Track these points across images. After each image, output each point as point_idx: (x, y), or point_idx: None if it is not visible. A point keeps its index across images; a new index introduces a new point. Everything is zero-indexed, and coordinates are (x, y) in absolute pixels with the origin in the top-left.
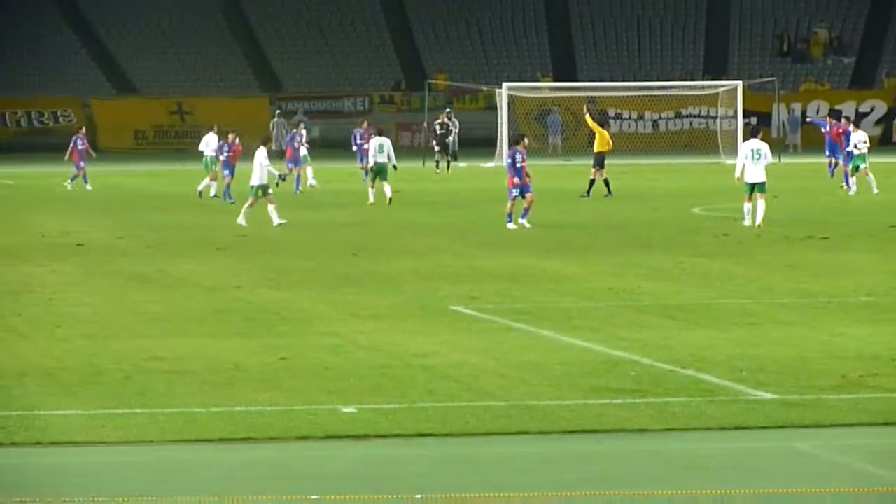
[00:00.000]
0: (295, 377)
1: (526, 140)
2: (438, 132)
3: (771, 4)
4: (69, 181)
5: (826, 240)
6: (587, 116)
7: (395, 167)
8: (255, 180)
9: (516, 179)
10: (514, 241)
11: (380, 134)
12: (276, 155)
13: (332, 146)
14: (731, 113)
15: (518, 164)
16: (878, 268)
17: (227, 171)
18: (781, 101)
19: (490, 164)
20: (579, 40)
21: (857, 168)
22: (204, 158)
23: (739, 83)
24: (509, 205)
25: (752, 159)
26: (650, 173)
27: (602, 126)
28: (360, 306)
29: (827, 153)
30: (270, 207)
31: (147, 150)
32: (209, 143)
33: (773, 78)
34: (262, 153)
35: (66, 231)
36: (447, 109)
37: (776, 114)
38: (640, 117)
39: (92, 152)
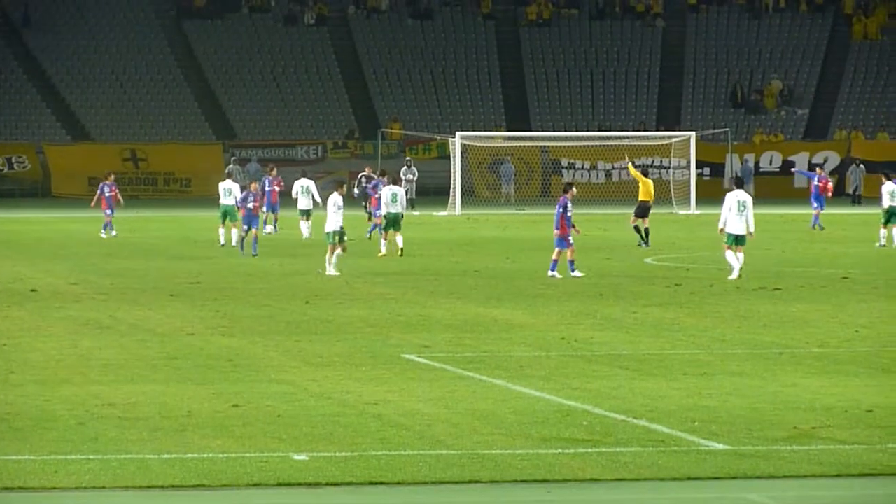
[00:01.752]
0: (247, 424)
1: (574, 189)
2: (363, 184)
3: (724, 55)
4: (102, 230)
5: (778, 291)
6: (630, 166)
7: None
8: (332, 226)
9: (567, 229)
10: (466, 289)
11: (394, 183)
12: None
13: (285, 194)
14: (684, 163)
15: (569, 213)
16: (829, 319)
17: (246, 224)
18: (734, 152)
19: (443, 213)
20: (532, 90)
21: (888, 221)
22: (221, 207)
23: (693, 134)
24: (556, 252)
25: (738, 210)
26: (603, 223)
27: (645, 175)
28: (312, 354)
29: (814, 205)
30: (338, 252)
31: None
32: (232, 192)
33: (727, 129)
34: (337, 198)
35: (19, 277)
36: (407, 158)
37: (729, 164)
38: (594, 167)
39: (121, 199)
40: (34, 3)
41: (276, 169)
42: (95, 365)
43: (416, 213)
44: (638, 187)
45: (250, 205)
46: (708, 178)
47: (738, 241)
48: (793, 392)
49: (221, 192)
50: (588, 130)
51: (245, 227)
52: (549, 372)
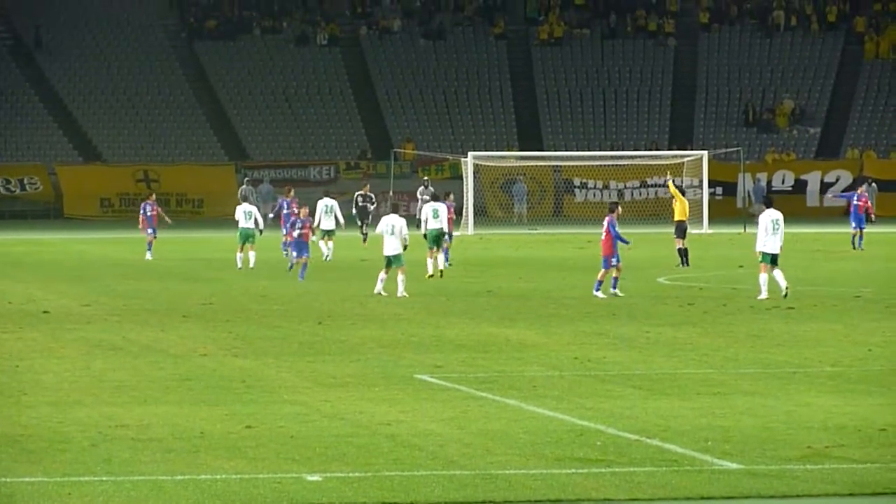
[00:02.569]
0: (260, 445)
1: (620, 209)
2: (360, 204)
3: (737, 75)
4: (147, 252)
5: (791, 310)
6: (670, 183)
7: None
8: (391, 250)
9: (612, 249)
10: (479, 310)
11: (435, 199)
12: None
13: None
14: (696, 182)
15: (615, 232)
16: (842, 338)
17: (296, 251)
18: (747, 171)
19: (456, 233)
20: (545, 110)
21: None
22: (241, 231)
23: (705, 153)
24: (602, 273)
25: (773, 230)
26: None
27: (683, 194)
28: (325, 375)
29: (853, 225)
30: (401, 276)
31: (112, 218)
32: (252, 215)
33: (739, 148)
34: (398, 220)
35: (32, 298)
36: (424, 178)
37: (741, 183)
38: (606, 186)
39: (167, 219)
40: (46, 25)
41: (293, 190)
42: (108, 386)
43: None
44: (672, 207)
45: (297, 232)
46: (720, 197)
47: (773, 260)
48: (806, 411)
49: (241, 216)
50: (600, 150)
51: (295, 253)
52: (563, 392)
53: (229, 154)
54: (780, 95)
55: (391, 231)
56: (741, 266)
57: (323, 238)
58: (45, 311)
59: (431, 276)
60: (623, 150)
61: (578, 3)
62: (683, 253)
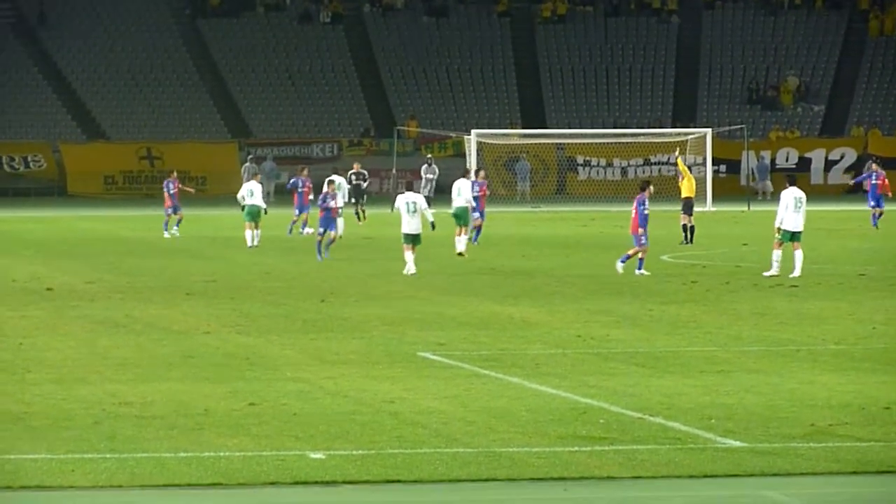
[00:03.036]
0: (263, 423)
1: (651, 187)
2: (353, 182)
3: (740, 52)
4: (175, 228)
5: (795, 288)
6: (679, 160)
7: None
8: (412, 228)
9: (641, 227)
10: (482, 287)
11: (464, 176)
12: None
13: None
14: (699, 160)
15: (645, 212)
16: (846, 316)
17: (323, 227)
18: (750, 149)
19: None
20: (548, 87)
21: None
22: (247, 208)
23: (708, 130)
24: (634, 250)
25: (795, 207)
26: (618, 220)
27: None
28: (328, 352)
29: (871, 203)
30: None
31: (116, 196)
32: (255, 193)
33: (742, 125)
34: (417, 197)
35: (35, 276)
36: (427, 156)
37: (745, 161)
38: (609, 164)
39: (189, 189)
40: (49, 2)
41: (307, 169)
42: (112, 364)
43: (432, 210)
44: (678, 184)
45: (331, 204)
46: (724, 175)
47: (793, 237)
48: (809, 389)
49: (247, 193)
50: (603, 127)
51: (322, 229)
52: (566, 370)
53: (232, 131)
54: (784, 73)
55: (412, 209)
56: (745, 244)
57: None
58: (48, 289)
59: (460, 253)
60: (626, 127)
61: None
62: (689, 230)
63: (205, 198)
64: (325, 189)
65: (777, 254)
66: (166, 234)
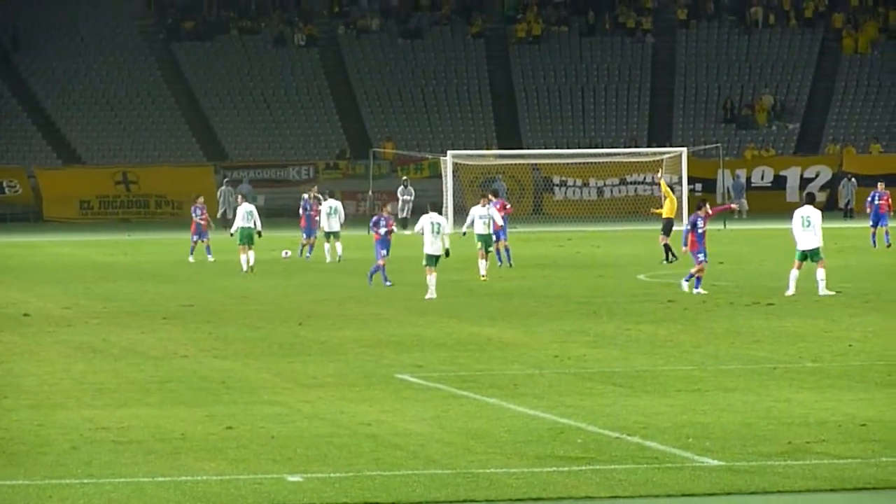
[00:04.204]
0: (241, 446)
1: (708, 206)
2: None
3: (715, 71)
4: (208, 255)
5: (772, 306)
6: (662, 181)
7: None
8: (434, 249)
9: (698, 245)
10: (459, 308)
11: (495, 195)
12: (220, 224)
13: (277, 215)
14: (675, 179)
15: (700, 230)
16: (823, 334)
17: (385, 250)
18: (726, 167)
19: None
20: (523, 108)
21: None
22: (240, 231)
23: (684, 150)
24: (696, 268)
25: (803, 226)
26: (595, 240)
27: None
28: (305, 375)
29: (872, 223)
30: (431, 277)
31: (92, 220)
32: (252, 215)
33: (718, 144)
34: (440, 219)
35: (12, 301)
36: (403, 178)
37: (721, 180)
38: (585, 184)
39: (211, 224)
40: (24, 26)
41: (315, 189)
42: (89, 389)
43: (407, 232)
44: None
45: (383, 230)
46: (699, 193)
47: (808, 256)
48: (786, 407)
49: (240, 216)
50: (579, 147)
51: (384, 252)
52: (543, 390)
53: (208, 155)
54: (758, 91)
55: (436, 230)
56: (721, 262)
57: (328, 240)
58: (25, 314)
59: (484, 277)
60: (602, 147)
61: (556, 1)
62: (668, 248)
63: (181, 221)
64: (379, 215)
65: (794, 273)
66: (191, 259)
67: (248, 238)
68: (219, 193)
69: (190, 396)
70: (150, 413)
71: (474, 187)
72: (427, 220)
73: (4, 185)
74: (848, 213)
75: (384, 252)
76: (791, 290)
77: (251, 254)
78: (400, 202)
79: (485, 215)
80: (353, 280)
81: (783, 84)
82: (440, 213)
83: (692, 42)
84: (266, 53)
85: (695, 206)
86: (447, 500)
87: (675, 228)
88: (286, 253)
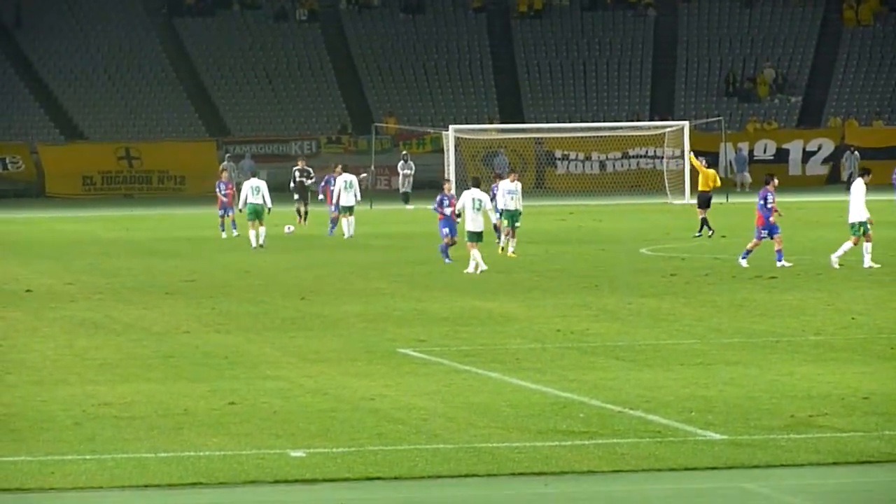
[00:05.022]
0: (243, 422)
1: (776, 180)
2: (297, 178)
3: (717, 44)
4: (233, 229)
5: (774, 279)
6: (691, 156)
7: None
8: (477, 226)
9: (769, 219)
10: (461, 282)
11: (499, 178)
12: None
13: (280, 189)
14: (678, 153)
15: (769, 205)
16: (825, 307)
17: (451, 230)
18: (728, 141)
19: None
20: (525, 82)
21: None
22: (249, 206)
23: (686, 123)
24: (753, 243)
25: (856, 198)
26: (597, 214)
27: (709, 167)
28: (307, 350)
29: None
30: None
31: (95, 196)
32: (260, 190)
33: (720, 118)
34: (482, 195)
35: (14, 277)
36: (403, 153)
37: (723, 153)
38: (588, 158)
39: (237, 196)
40: (26, 3)
41: (341, 166)
42: (91, 365)
43: (410, 207)
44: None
45: (447, 210)
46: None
47: (853, 228)
48: (789, 381)
49: (249, 191)
50: (581, 121)
51: (449, 234)
52: (545, 364)
53: (210, 130)
54: (760, 65)
55: (477, 206)
56: (723, 236)
57: (343, 214)
58: (27, 290)
59: (513, 254)
60: (604, 121)
61: None
62: (705, 222)
63: (183, 197)
64: (443, 194)
65: (865, 245)
66: (223, 235)
67: (257, 214)
68: (221, 168)
69: (192, 372)
70: (153, 389)
71: (476, 161)
72: (468, 196)
73: (7, 160)
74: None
75: (446, 230)
76: (835, 262)
77: (262, 229)
78: (400, 176)
79: (513, 190)
80: (355, 255)
81: (785, 57)
82: (479, 188)
83: (694, 16)
84: (267, 28)
85: (762, 180)
86: (450, 474)
87: (713, 201)
88: (289, 228)
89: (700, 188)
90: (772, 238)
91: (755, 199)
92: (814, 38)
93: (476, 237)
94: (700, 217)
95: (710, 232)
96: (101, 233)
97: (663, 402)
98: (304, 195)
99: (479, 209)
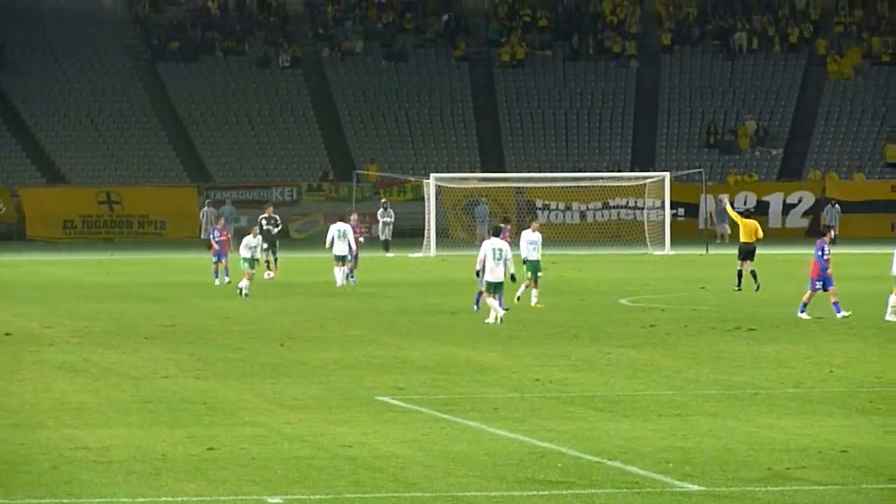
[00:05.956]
0: (221, 468)
1: (833, 232)
2: (264, 227)
3: (699, 96)
4: (225, 276)
5: (753, 331)
6: (728, 207)
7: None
8: (497, 276)
9: (825, 271)
10: (440, 330)
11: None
12: (204, 245)
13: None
14: (658, 204)
15: (826, 256)
16: (804, 359)
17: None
18: (709, 192)
19: (418, 255)
20: (507, 131)
21: None
22: (244, 258)
23: (667, 174)
24: (808, 295)
25: None
26: (577, 264)
27: (745, 217)
28: (286, 396)
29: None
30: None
31: (75, 240)
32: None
33: (701, 169)
34: (503, 244)
35: None
36: (382, 200)
37: (703, 205)
38: (568, 208)
39: (231, 243)
40: (9, 45)
41: (355, 215)
42: (70, 408)
43: (390, 254)
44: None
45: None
46: (682, 218)
47: None
48: (767, 433)
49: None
50: (563, 171)
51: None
52: (524, 413)
53: (191, 175)
54: (742, 117)
55: (498, 256)
56: (703, 287)
57: (336, 263)
58: (7, 334)
59: (540, 305)
60: (585, 171)
61: (541, 25)
62: (753, 274)
63: (164, 241)
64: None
65: (892, 298)
66: (216, 282)
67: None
68: (202, 214)
69: (171, 417)
70: (131, 433)
71: (457, 210)
72: (489, 246)
73: None
74: (833, 240)
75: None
76: (890, 317)
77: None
78: (380, 224)
79: (535, 241)
80: (335, 301)
81: (766, 110)
82: (499, 237)
83: (676, 67)
84: (250, 74)
85: (819, 233)
86: None
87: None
88: (269, 275)
89: (742, 239)
90: (826, 291)
91: (735, 251)
92: (795, 91)
93: (494, 287)
94: (738, 269)
95: (756, 285)
96: (81, 276)
97: (641, 453)
98: (273, 244)
99: (499, 259)
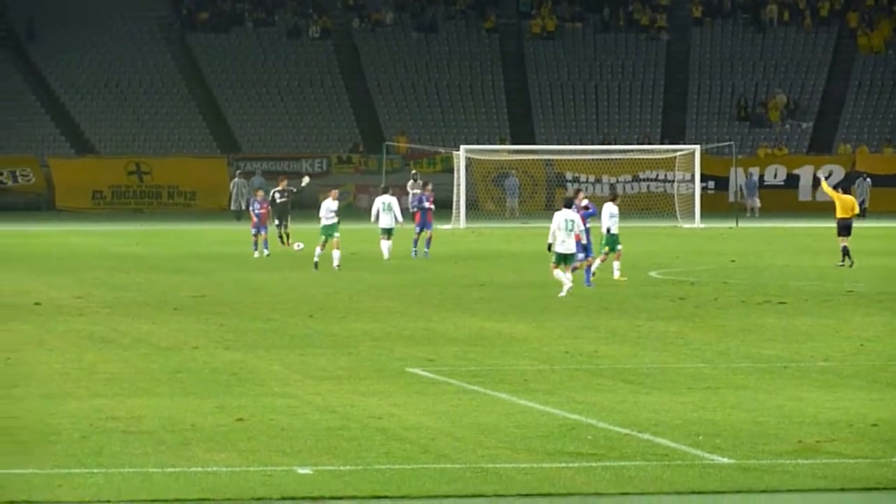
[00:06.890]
0: (251, 438)
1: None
2: (278, 200)
3: (729, 69)
4: (265, 249)
5: (783, 304)
6: (824, 182)
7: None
8: (566, 248)
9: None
10: (471, 303)
11: (567, 206)
12: (233, 216)
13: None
14: (688, 177)
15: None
16: (834, 333)
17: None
18: (739, 166)
19: (447, 227)
20: (537, 103)
21: None
22: (325, 226)
23: (697, 147)
24: None
25: None
26: None
27: (837, 190)
28: (316, 368)
29: None
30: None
31: (104, 210)
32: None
33: (731, 142)
34: (574, 215)
35: (23, 290)
36: (413, 171)
37: (733, 178)
38: (598, 181)
39: (272, 215)
40: (39, 16)
41: (430, 184)
42: (99, 378)
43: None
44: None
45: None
46: (712, 191)
47: None
48: (797, 406)
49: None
50: (592, 144)
51: (581, 255)
52: (553, 386)
53: (221, 146)
54: (772, 90)
55: (569, 227)
56: (733, 260)
57: (382, 237)
58: (36, 303)
59: (624, 278)
60: (615, 143)
61: None
62: (845, 252)
63: (193, 212)
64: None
65: None
66: (255, 254)
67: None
68: (231, 185)
69: (200, 387)
70: (161, 403)
71: (487, 182)
72: (561, 217)
73: (17, 173)
74: (862, 213)
75: (581, 255)
76: None
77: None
78: (410, 196)
79: (615, 213)
80: (364, 274)
81: (797, 83)
82: (570, 208)
83: (706, 40)
84: (280, 45)
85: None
86: (456, 494)
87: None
88: (299, 245)
89: (839, 215)
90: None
91: (765, 224)
92: (826, 64)
93: (563, 258)
94: (841, 245)
95: (851, 262)
96: (110, 247)
97: (671, 426)
98: (284, 217)
99: (570, 230)
